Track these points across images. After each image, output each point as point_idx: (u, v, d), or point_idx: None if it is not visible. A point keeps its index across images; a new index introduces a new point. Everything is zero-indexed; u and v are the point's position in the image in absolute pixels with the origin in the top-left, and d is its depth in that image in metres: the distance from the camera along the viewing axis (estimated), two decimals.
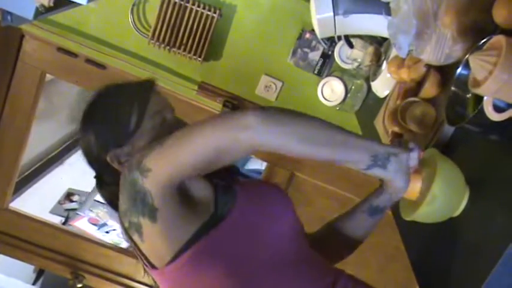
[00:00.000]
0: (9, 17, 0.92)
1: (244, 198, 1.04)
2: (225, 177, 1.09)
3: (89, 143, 1.12)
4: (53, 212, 3.52)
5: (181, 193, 0.98)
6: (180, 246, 0.99)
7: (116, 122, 1.10)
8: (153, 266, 1.05)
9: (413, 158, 0.97)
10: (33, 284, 3.37)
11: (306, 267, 1.07)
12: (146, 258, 1.05)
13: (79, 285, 2.70)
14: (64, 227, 3.16)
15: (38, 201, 3.36)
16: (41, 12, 0.87)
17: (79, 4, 0.90)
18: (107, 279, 2.73)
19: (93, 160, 1.14)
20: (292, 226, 1.11)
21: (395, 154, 0.96)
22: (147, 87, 1.14)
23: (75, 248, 2.72)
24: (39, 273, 3.39)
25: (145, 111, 1.09)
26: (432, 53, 1.07)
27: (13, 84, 2.35)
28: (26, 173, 3.38)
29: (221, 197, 1.03)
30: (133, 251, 1.09)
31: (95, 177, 1.19)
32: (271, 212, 1.08)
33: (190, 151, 0.93)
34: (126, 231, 1.03)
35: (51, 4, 0.84)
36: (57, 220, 3.30)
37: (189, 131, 0.95)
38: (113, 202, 1.15)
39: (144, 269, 1.11)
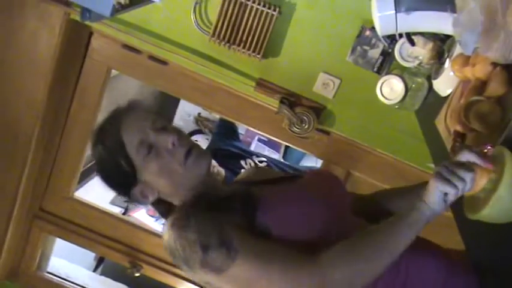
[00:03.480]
0: (88, 14, 0.98)
1: (276, 224, 1.10)
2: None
3: (115, 192, 1.21)
4: (112, 202, 3.64)
5: None
6: None
7: (115, 174, 1.15)
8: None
9: (465, 186, 0.95)
10: (94, 271, 3.51)
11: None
12: None
13: (137, 274, 2.78)
14: (124, 217, 3.27)
15: (99, 192, 3.49)
16: (118, 10, 0.92)
17: (152, 2, 0.95)
18: (163, 269, 2.80)
19: (130, 202, 1.21)
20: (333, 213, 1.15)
21: (420, 209, 0.98)
22: (113, 129, 1.14)
23: (134, 238, 2.80)
24: (99, 261, 3.53)
25: (128, 153, 1.11)
26: (499, 51, 1.05)
27: (81, 78, 2.47)
28: (89, 165, 3.52)
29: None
30: None
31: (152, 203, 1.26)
32: (307, 211, 1.13)
33: None
34: None
35: (127, 2, 0.89)
36: (116, 211, 3.42)
37: (257, 278, 1.00)
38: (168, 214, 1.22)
39: None
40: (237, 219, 1.06)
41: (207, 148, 3.24)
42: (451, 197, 0.95)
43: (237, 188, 1.25)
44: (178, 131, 1.17)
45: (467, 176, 0.93)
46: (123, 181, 1.15)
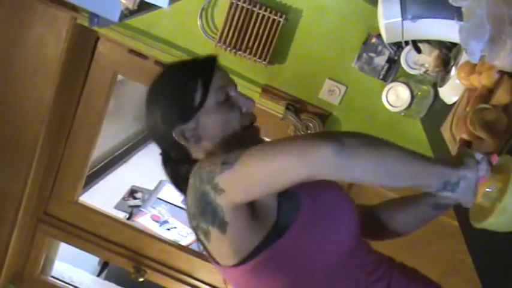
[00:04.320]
0: (96, 20, 0.98)
1: (307, 206, 1.03)
2: None
3: (155, 120, 1.13)
4: (117, 207, 3.65)
5: (250, 205, 1.00)
6: (244, 256, 1.02)
7: (181, 97, 1.10)
8: (217, 262, 1.08)
9: (482, 169, 0.95)
10: (98, 275, 3.51)
11: (360, 263, 1.10)
12: (210, 255, 1.08)
13: (141, 279, 2.78)
14: (128, 222, 3.27)
15: (104, 197, 3.51)
16: (126, 15, 0.92)
17: (160, 7, 0.95)
18: (167, 275, 2.80)
19: (159, 137, 1.15)
20: (351, 231, 1.09)
21: (465, 177, 0.94)
22: (210, 63, 1.13)
23: (139, 243, 2.80)
24: (104, 265, 3.53)
25: (210, 87, 1.09)
26: (506, 59, 1.04)
27: (87, 83, 2.48)
28: (94, 169, 3.53)
29: (284, 205, 1.03)
30: (198, 243, 1.13)
31: (161, 153, 1.19)
32: (332, 220, 1.07)
33: (264, 177, 0.93)
34: (194, 229, 1.07)
35: (135, 7, 0.89)
36: (121, 216, 3.42)
37: (262, 155, 0.94)
38: (176, 181, 1.18)
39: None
40: None
41: None
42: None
43: None
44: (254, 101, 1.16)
45: (479, 155, 0.95)
46: (183, 109, 1.09)
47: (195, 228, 1.06)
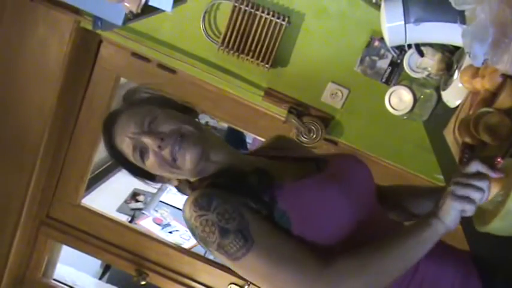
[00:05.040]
0: (99, 23, 0.98)
1: (297, 217, 1.08)
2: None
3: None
4: (119, 210, 3.66)
5: None
6: None
7: (132, 171, 1.20)
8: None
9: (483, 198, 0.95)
10: (100, 278, 3.51)
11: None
12: None
13: (143, 283, 2.77)
14: (131, 225, 3.27)
15: (106, 200, 3.51)
16: (129, 19, 0.93)
17: (163, 11, 0.95)
18: (169, 278, 2.79)
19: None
20: (359, 198, 1.15)
21: (434, 226, 0.98)
22: (109, 142, 1.19)
23: (141, 246, 2.80)
24: (106, 268, 3.53)
25: (129, 160, 1.16)
26: (510, 63, 1.04)
27: (90, 86, 2.49)
28: (96, 172, 3.54)
29: (278, 223, 1.10)
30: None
31: None
32: (327, 208, 1.10)
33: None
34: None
35: (139, 11, 0.89)
36: (123, 219, 3.43)
37: (268, 274, 1.02)
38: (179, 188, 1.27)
39: None
40: (257, 203, 1.06)
41: None
42: (469, 213, 0.94)
43: (260, 163, 1.23)
44: (166, 127, 1.12)
45: (484, 184, 0.92)
46: (144, 175, 1.20)
47: None
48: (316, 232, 1.06)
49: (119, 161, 1.19)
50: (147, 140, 1.10)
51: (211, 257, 2.74)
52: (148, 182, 1.23)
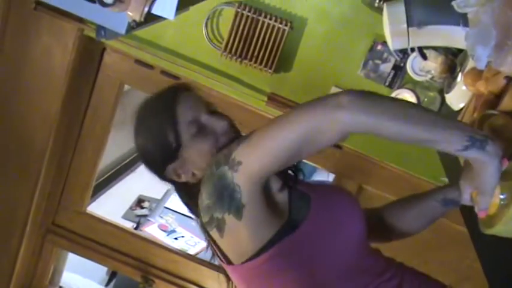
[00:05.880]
0: (103, 32, 0.99)
1: (317, 205, 1.07)
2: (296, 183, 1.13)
3: (147, 165, 1.20)
4: (125, 217, 3.66)
5: (265, 192, 1.01)
6: (262, 245, 1.02)
7: (157, 145, 1.14)
8: (228, 262, 1.08)
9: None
10: (106, 285, 3.51)
11: (370, 263, 1.12)
12: (223, 253, 1.08)
13: None
14: (136, 231, 3.27)
15: (111, 207, 3.51)
16: (133, 27, 0.93)
17: (165, 18, 0.96)
18: (175, 284, 2.79)
19: (159, 177, 1.20)
20: (359, 232, 1.13)
21: (493, 139, 0.86)
22: (169, 102, 1.15)
23: (146, 252, 2.80)
24: (112, 275, 3.53)
25: (178, 127, 1.11)
26: None
27: (94, 94, 2.49)
28: (101, 179, 3.54)
29: (296, 202, 1.06)
30: (209, 245, 1.14)
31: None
32: (341, 219, 1.11)
33: (282, 138, 0.94)
34: (204, 227, 1.07)
35: (142, 19, 0.90)
36: (128, 225, 3.43)
37: (276, 122, 0.96)
38: (188, 203, 1.21)
39: (219, 263, 1.16)
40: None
41: None
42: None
43: None
44: (230, 119, 1.16)
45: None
46: (164, 153, 1.14)
47: (207, 224, 1.06)
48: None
49: (157, 124, 1.13)
50: (215, 120, 1.13)
51: (216, 263, 2.73)
52: (156, 170, 1.18)
